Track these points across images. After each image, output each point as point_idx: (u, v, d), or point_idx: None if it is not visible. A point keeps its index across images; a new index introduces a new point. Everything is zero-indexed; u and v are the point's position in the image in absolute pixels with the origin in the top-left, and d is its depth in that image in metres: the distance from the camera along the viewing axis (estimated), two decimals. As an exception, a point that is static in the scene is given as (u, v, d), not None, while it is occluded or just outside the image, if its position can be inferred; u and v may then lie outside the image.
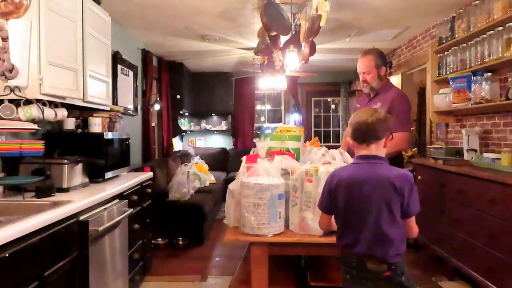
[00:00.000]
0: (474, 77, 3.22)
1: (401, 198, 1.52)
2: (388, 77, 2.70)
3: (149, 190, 3.20)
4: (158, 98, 5.72)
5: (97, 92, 2.74)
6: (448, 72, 3.67)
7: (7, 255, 1.33)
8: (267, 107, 8.46)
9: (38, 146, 2.05)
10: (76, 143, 2.63)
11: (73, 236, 1.86)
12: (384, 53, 5.86)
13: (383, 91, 2.73)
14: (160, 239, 4.10)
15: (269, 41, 3.83)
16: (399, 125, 2.46)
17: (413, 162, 4.23)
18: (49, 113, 2.27)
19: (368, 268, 1.54)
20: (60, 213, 1.72)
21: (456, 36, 3.48)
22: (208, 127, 7.96)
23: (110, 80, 2.98)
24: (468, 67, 3.34)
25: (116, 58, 4.06)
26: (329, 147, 2.27)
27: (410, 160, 4.50)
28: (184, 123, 7.35)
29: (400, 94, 2.72)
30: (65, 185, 2.23)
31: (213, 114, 7.94)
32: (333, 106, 8.27)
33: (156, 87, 5.87)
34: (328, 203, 1.62)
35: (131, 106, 4.63)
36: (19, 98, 2.03)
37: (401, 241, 1.58)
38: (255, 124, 7.97)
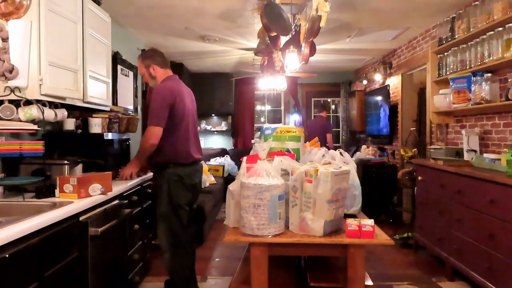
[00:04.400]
0: (474, 78, 3.22)
1: None
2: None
3: (149, 191, 3.20)
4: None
5: (97, 92, 2.74)
6: (448, 73, 3.67)
7: (7, 255, 1.33)
8: (267, 107, 8.46)
9: (38, 146, 2.05)
10: (76, 143, 2.63)
11: (73, 236, 1.85)
12: (384, 53, 5.92)
13: None
14: (160, 239, 4.09)
15: (269, 41, 3.83)
16: None
17: (413, 163, 4.23)
18: (49, 114, 2.27)
19: None
20: (60, 214, 1.72)
21: (456, 36, 3.49)
22: (208, 127, 7.96)
23: (110, 81, 2.99)
24: (468, 67, 3.34)
25: (116, 59, 4.06)
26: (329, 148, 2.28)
27: (410, 161, 4.51)
28: (184, 124, 7.34)
29: None
30: (65, 186, 2.23)
31: (213, 115, 7.93)
32: (333, 106, 8.28)
33: (156, 88, 5.87)
34: None
35: (131, 107, 4.63)
36: (19, 98, 2.03)
37: None
38: (255, 125, 7.98)
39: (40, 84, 2.03)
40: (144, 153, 2.62)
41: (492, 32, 3.00)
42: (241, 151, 7.34)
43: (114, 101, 3.96)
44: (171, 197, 2.61)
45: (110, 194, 2.26)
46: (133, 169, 2.73)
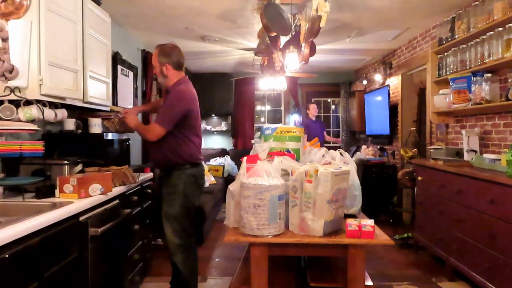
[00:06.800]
0: (474, 78, 3.22)
1: None
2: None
3: (149, 191, 3.20)
4: (158, 99, 5.72)
5: (97, 92, 2.74)
6: (448, 73, 3.67)
7: (7, 256, 1.33)
8: (267, 107, 8.46)
9: (38, 146, 2.05)
10: (76, 143, 2.63)
11: (73, 237, 1.85)
12: (384, 53, 5.92)
13: None
14: (160, 239, 4.09)
15: (269, 41, 3.83)
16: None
17: (413, 163, 4.23)
18: (49, 114, 2.27)
19: None
20: (60, 214, 1.72)
21: (456, 36, 3.49)
22: (208, 127, 7.95)
23: (110, 81, 2.99)
24: (468, 67, 3.34)
25: (116, 59, 4.06)
26: (329, 148, 2.28)
27: (410, 161, 4.51)
28: (184, 124, 7.34)
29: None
30: (65, 186, 2.23)
31: (213, 115, 7.93)
32: (333, 106, 8.28)
33: (156, 88, 5.88)
34: None
35: (131, 107, 4.62)
36: (19, 98, 2.03)
37: None
38: (255, 125, 7.98)
39: (40, 84, 2.03)
40: (140, 132, 2.62)
41: (492, 32, 2.99)
42: (241, 151, 7.34)
43: (114, 101, 3.96)
44: (187, 197, 2.59)
45: (110, 194, 2.26)
46: (134, 119, 2.65)
